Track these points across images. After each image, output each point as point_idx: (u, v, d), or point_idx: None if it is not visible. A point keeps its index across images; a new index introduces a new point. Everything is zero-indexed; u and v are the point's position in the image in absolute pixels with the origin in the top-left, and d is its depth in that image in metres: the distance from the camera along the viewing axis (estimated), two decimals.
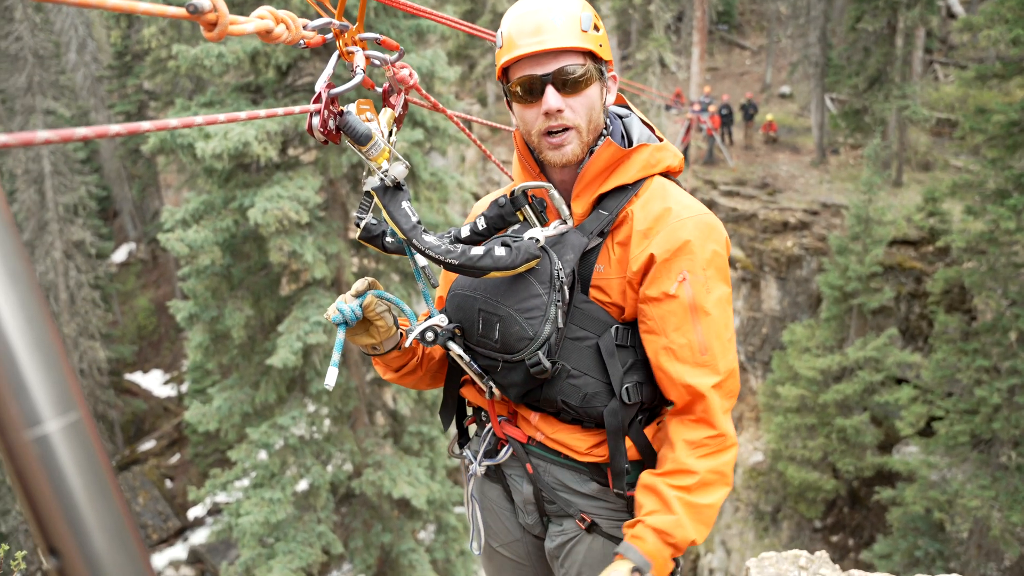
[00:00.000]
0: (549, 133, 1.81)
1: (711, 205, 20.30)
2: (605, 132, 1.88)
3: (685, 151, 21.82)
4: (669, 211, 1.79)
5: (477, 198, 17.94)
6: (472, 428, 2.22)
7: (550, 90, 1.76)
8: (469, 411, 2.22)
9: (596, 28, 1.76)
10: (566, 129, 1.80)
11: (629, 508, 1.93)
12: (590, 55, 1.77)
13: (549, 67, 1.75)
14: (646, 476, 1.77)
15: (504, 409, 2.04)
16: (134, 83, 28.17)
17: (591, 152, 1.86)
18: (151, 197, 33.38)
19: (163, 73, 22.70)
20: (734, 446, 1.76)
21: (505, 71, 1.84)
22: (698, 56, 24.08)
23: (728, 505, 18.97)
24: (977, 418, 13.07)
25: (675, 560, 1.81)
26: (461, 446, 2.21)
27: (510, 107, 1.89)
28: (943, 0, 24.08)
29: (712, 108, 21.89)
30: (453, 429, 2.27)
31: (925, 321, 16.47)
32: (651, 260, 1.77)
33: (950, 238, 13.96)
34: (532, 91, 1.78)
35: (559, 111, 1.77)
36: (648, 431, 1.91)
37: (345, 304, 1.85)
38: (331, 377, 1.73)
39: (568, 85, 1.76)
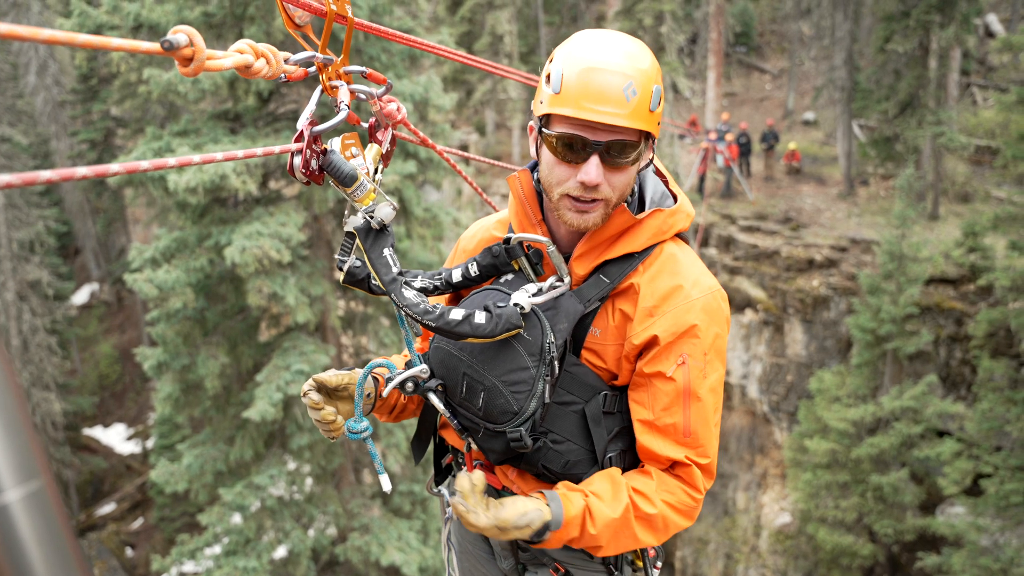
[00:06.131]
0: (577, 198, 1.81)
1: (729, 241, 20.40)
2: (632, 197, 1.95)
3: (701, 183, 21.99)
4: (678, 290, 1.85)
5: None
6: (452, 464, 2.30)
7: (595, 161, 1.75)
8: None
9: (661, 100, 1.79)
10: (595, 200, 1.81)
11: (604, 563, 2.02)
12: (646, 134, 1.80)
13: (602, 136, 1.74)
14: (616, 472, 1.86)
15: (482, 455, 2.09)
16: (100, 109, 28.50)
17: None
18: (117, 233, 33.55)
19: (132, 98, 22.98)
20: (690, 523, 1.90)
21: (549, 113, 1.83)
22: (714, 81, 24.41)
23: (753, 572, 18.71)
24: None
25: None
26: (438, 483, 2.27)
27: (538, 148, 1.90)
28: (980, 18, 24.47)
29: (730, 136, 22.08)
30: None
31: (968, 367, 16.42)
32: (654, 340, 1.83)
33: (993, 276, 13.98)
34: (574, 151, 1.77)
35: (597, 185, 1.77)
36: None
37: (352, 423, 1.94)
38: (386, 482, 1.92)
39: (615, 162, 1.77)
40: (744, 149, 22.70)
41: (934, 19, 18.14)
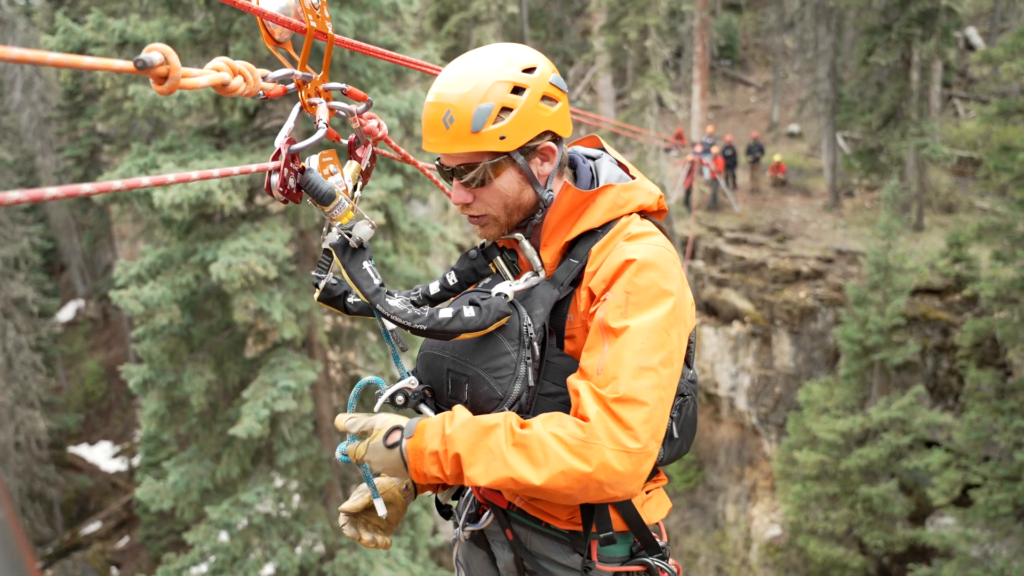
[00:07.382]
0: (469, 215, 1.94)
1: (716, 254, 20.46)
2: (545, 203, 1.91)
3: (687, 196, 22.08)
4: (615, 246, 1.84)
5: (462, 250, 18.05)
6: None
7: (455, 184, 1.89)
8: None
9: (506, 111, 1.77)
10: (482, 215, 1.91)
11: None
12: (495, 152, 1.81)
13: (450, 162, 1.87)
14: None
15: None
16: (86, 125, 28.39)
17: (549, 201, 1.92)
18: (103, 250, 33.37)
19: (118, 115, 22.89)
20: (584, 465, 1.62)
21: None
22: (699, 94, 24.55)
23: None
24: (1020, 485, 12.99)
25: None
26: (447, 514, 2.26)
27: None
28: (960, 32, 24.72)
29: (715, 149, 22.19)
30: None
31: (955, 377, 16.48)
32: (590, 294, 1.83)
33: (978, 286, 14.07)
34: (446, 176, 1.92)
35: (466, 204, 1.90)
36: (636, 498, 1.93)
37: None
38: (380, 507, 1.94)
39: (469, 183, 1.86)
40: (730, 162, 22.81)
41: (915, 32, 18.31)
